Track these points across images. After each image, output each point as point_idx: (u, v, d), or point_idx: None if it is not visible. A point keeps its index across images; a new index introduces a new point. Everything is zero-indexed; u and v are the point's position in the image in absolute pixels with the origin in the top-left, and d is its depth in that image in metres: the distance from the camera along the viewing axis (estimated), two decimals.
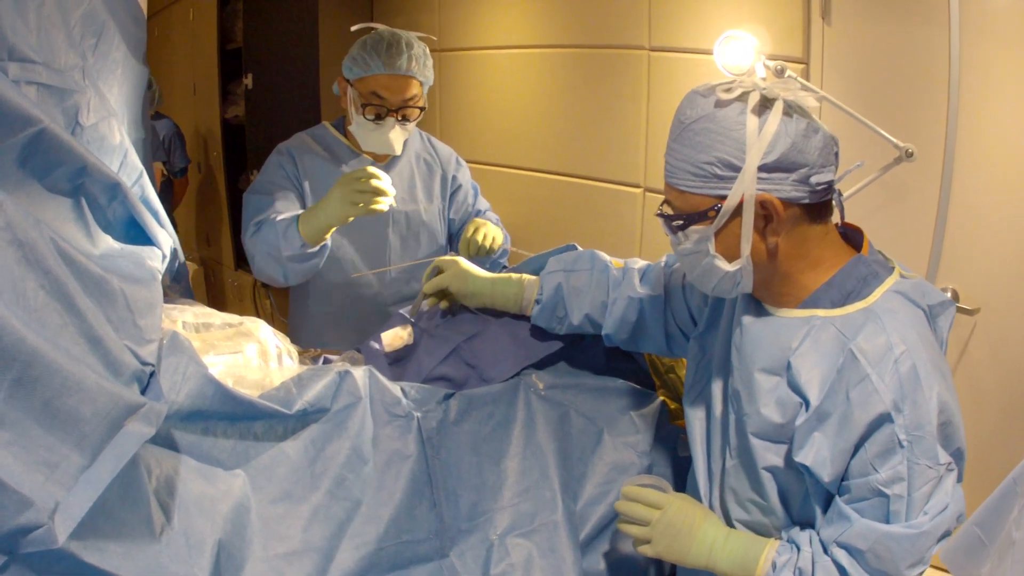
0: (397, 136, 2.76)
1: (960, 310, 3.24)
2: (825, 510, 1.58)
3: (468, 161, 3.26)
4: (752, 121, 1.48)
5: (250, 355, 1.76)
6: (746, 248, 1.55)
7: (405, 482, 1.67)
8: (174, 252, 1.84)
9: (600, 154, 4.18)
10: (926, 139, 3.11)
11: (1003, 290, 3.22)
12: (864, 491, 1.48)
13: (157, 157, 5.96)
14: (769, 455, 1.62)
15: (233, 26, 5.96)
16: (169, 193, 6.40)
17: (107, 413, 1.13)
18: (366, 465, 1.65)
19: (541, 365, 2.10)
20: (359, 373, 1.72)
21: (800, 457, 1.52)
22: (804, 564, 1.53)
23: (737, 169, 1.49)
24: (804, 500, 1.61)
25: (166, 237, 1.74)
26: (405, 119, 2.74)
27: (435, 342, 2.10)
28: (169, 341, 1.47)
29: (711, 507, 1.79)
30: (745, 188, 1.49)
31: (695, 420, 1.88)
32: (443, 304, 2.20)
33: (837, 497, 1.54)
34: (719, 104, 1.51)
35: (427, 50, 2.77)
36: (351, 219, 2.47)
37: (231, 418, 1.52)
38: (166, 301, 1.68)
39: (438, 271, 2.18)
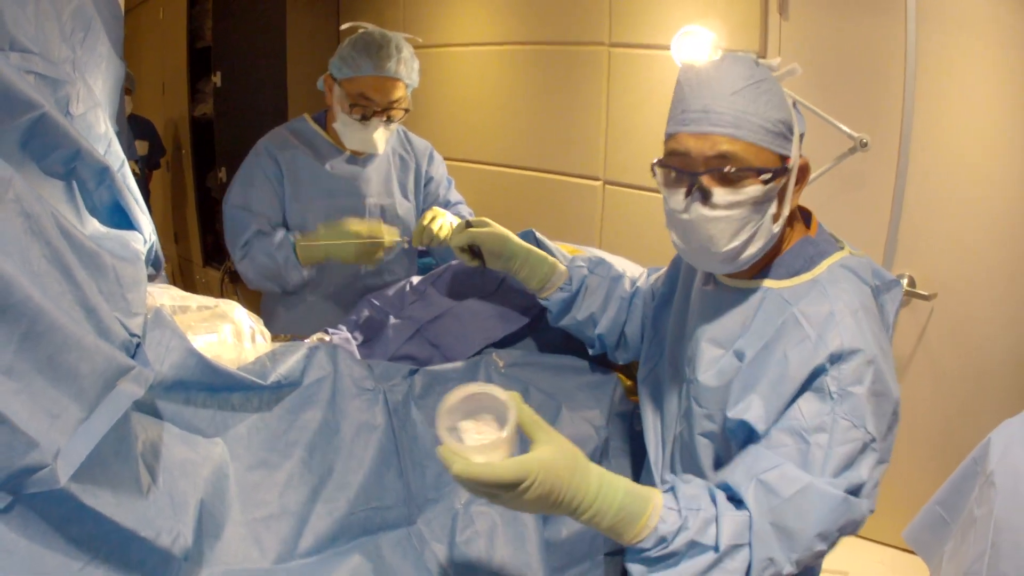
0: (381, 136, 2.83)
1: (917, 296, 3.35)
2: None
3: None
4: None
5: (225, 335, 1.85)
6: (787, 209, 1.62)
7: (374, 451, 1.76)
8: (152, 243, 1.90)
9: (562, 148, 4.27)
10: (882, 129, 3.21)
11: (960, 275, 3.33)
12: (784, 437, 1.49)
13: (130, 155, 6.00)
14: (705, 421, 1.71)
15: (202, 25, 6.03)
16: (143, 191, 6.43)
17: (103, 372, 1.21)
18: (337, 435, 1.74)
19: (502, 344, 2.19)
20: (329, 349, 1.82)
21: (734, 413, 1.57)
22: (698, 527, 1.44)
23: (791, 132, 1.58)
24: None
25: (147, 223, 1.80)
26: (390, 119, 2.81)
27: (401, 323, 2.18)
28: (153, 316, 1.55)
29: (661, 480, 1.88)
30: (795, 150, 1.58)
31: (646, 396, 1.99)
32: (466, 259, 2.20)
33: (755, 444, 1.54)
34: (771, 69, 1.60)
35: (413, 52, 2.82)
36: None
37: (210, 389, 1.61)
38: None
39: (466, 226, 2.19)
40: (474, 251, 2.18)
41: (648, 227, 3.86)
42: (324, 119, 2.99)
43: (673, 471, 1.86)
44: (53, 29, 1.58)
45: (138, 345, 1.45)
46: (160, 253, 2.06)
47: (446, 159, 3.29)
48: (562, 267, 2.12)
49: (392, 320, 2.19)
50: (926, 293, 3.40)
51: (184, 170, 6.72)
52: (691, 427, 1.74)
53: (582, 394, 2.13)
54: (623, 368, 2.31)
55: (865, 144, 2.36)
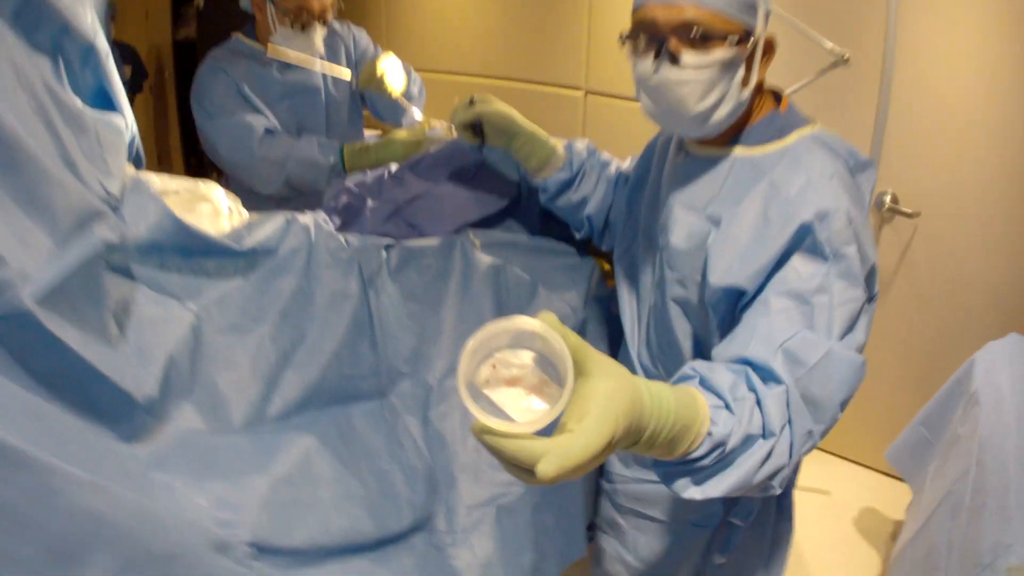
0: (319, 38, 2.92)
1: (901, 213, 3.34)
2: None
3: (427, 71, 3.35)
4: None
5: (203, 213, 1.84)
6: (754, 78, 1.61)
7: (347, 320, 1.75)
8: (134, 135, 1.87)
9: (542, 57, 4.23)
10: (865, 45, 3.19)
11: (944, 196, 3.33)
12: (784, 301, 1.44)
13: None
14: (676, 287, 1.71)
15: None
16: None
17: (78, 211, 1.22)
18: (311, 303, 1.73)
19: (479, 226, 2.18)
20: (306, 219, 1.81)
21: (716, 279, 1.57)
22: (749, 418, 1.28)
23: (756, 7, 1.56)
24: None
25: (129, 115, 1.78)
26: (325, 21, 2.90)
27: (378, 206, 2.17)
28: (133, 183, 1.55)
29: (638, 357, 1.90)
30: (760, 24, 1.57)
31: (621, 274, 2.00)
32: (468, 136, 2.18)
33: (752, 312, 1.49)
34: None
35: None
36: None
37: (185, 253, 1.60)
38: None
39: (472, 102, 2.16)
40: (475, 129, 2.16)
41: (631, 138, 3.79)
42: (253, 32, 3.06)
43: (648, 346, 1.88)
44: None
45: (115, 208, 1.45)
46: (141, 151, 2.04)
47: (421, 71, 3.29)
48: (561, 150, 2.13)
49: (370, 203, 2.18)
50: (909, 211, 3.41)
51: (167, 94, 6.69)
52: (664, 294, 1.75)
53: (559, 276, 2.13)
54: (602, 257, 2.32)
55: (847, 60, 2.35)
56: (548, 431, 0.99)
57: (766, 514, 1.90)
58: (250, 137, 2.84)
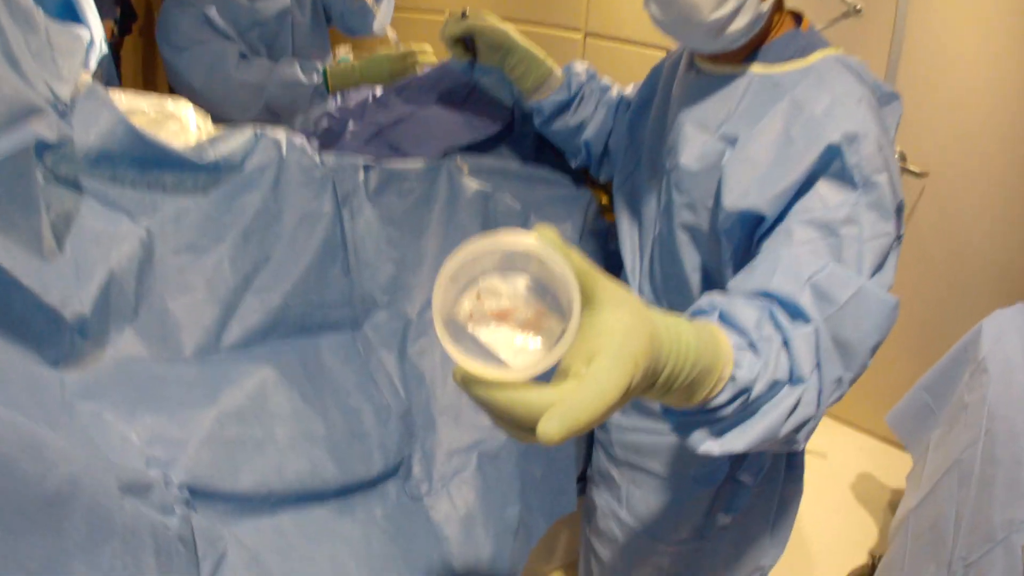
0: None
1: (909, 172, 3.27)
2: None
3: (404, 10, 3.24)
4: None
5: (171, 130, 1.70)
6: None
7: (318, 241, 1.59)
8: (104, 54, 1.77)
9: None
10: None
11: (953, 157, 3.25)
12: (809, 231, 1.28)
13: (108, 14, 5.82)
14: (685, 212, 1.56)
15: None
16: (115, 56, 6.27)
17: (11, 104, 1.11)
18: (278, 222, 1.57)
19: (467, 151, 2.03)
20: (277, 134, 1.64)
21: (732, 202, 1.42)
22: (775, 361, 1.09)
23: None
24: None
25: (98, 29, 1.67)
26: None
27: (360, 127, 2.03)
28: (87, 90, 1.41)
29: (639, 292, 1.76)
30: None
31: (622, 204, 1.86)
32: (458, 53, 2.05)
33: (774, 241, 1.34)
34: None
35: None
36: None
37: (140, 164, 1.44)
38: None
39: (464, 15, 2.01)
40: (466, 45, 2.02)
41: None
42: None
43: (652, 280, 1.73)
44: None
45: (64, 114, 1.32)
46: (114, 72, 1.92)
47: (409, 10, 3.19)
48: (558, 71, 1.98)
49: (351, 126, 2.03)
50: (917, 171, 3.32)
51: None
52: (671, 221, 1.60)
53: (553, 206, 1.99)
54: (600, 189, 2.18)
55: (859, 10, 2.21)
56: (547, 377, 0.78)
57: (775, 472, 1.75)
58: (225, 62, 2.71)
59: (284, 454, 1.32)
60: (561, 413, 0.73)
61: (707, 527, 1.80)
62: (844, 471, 3.69)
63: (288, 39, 2.99)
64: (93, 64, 1.78)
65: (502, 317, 0.80)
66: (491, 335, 0.79)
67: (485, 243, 0.77)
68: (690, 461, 1.72)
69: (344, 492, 1.40)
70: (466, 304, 0.80)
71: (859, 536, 3.29)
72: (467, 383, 0.76)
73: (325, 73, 2.74)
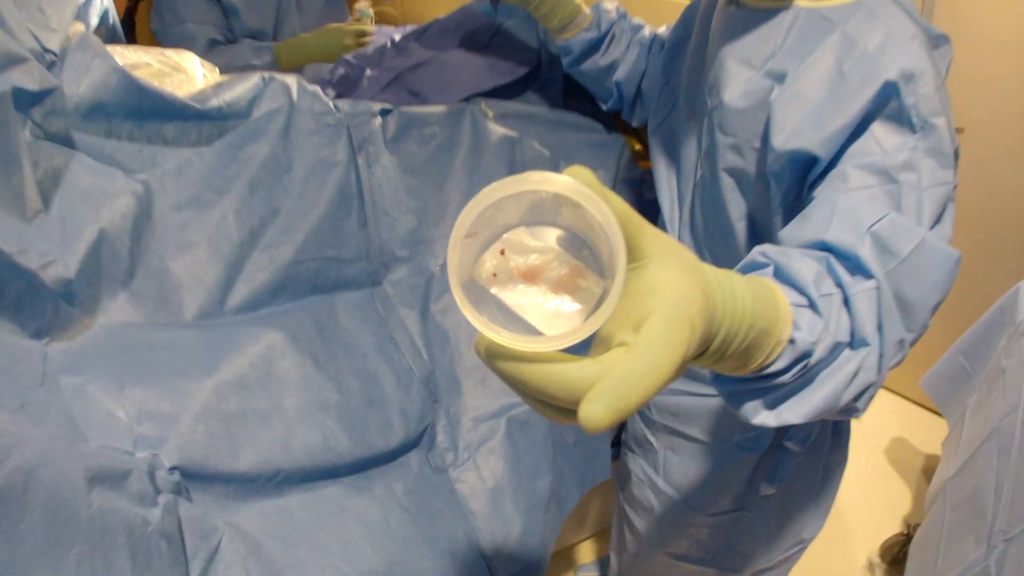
0: None
1: None
2: None
3: None
4: None
5: (177, 81, 1.60)
6: None
7: (331, 191, 1.48)
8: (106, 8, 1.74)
9: None
10: None
11: (987, 109, 3.15)
12: (866, 176, 1.16)
13: None
14: (730, 154, 1.44)
15: None
16: (129, 22, 6.22)
17: None
18: (288, 173, 1.45)
19: (492, 96, 1.92)
20: (287, 79, 1.53)
21: (782, 142, 1.29)
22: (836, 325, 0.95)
23: None
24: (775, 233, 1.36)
25: None
26: None
27: (378, 74, 1.91)
28: (79, 40, 1.31)
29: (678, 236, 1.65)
30: None
31: (658, 148, 1.74)
32: None
33: (828, 186, 1.21)
34: None
35: None
36: None
37: (138, 116, 1.33)
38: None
39: None
40: None
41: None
42: None
43: (693, 229, 1.61)
44: None
45: (52, 64, 1.24)
46: (118, 28, 1.91)
47: None
48: (587, 9, 1.86)
49: (368, 72, 1.92)
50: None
51: None
52: (714, 165, 1.48)
53: (584, 153, 1.88)
54: (632, 135, 2.06)
55: None
56: (584, 345, 0.64)
57: (821, 440, 1.64)
58: (194, 48, 2.58)
59: (292, 427, 1.21)
60: (608, 392, 0.58)
61: (748, 497, 1.70)
62: (877, 435, 3.60)
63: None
64: (94, 20, 1.71)
65: (531, 276, 0.67)
66: (518, 298, 0.66)
67: (508, 186, 0.61)
68: (734, 426, 1.60)
69: (360, 467, 1.30)
70: (488, 262, 0.67)
71: (892, 502, 3.20)
72: (492, 356, 0.62)
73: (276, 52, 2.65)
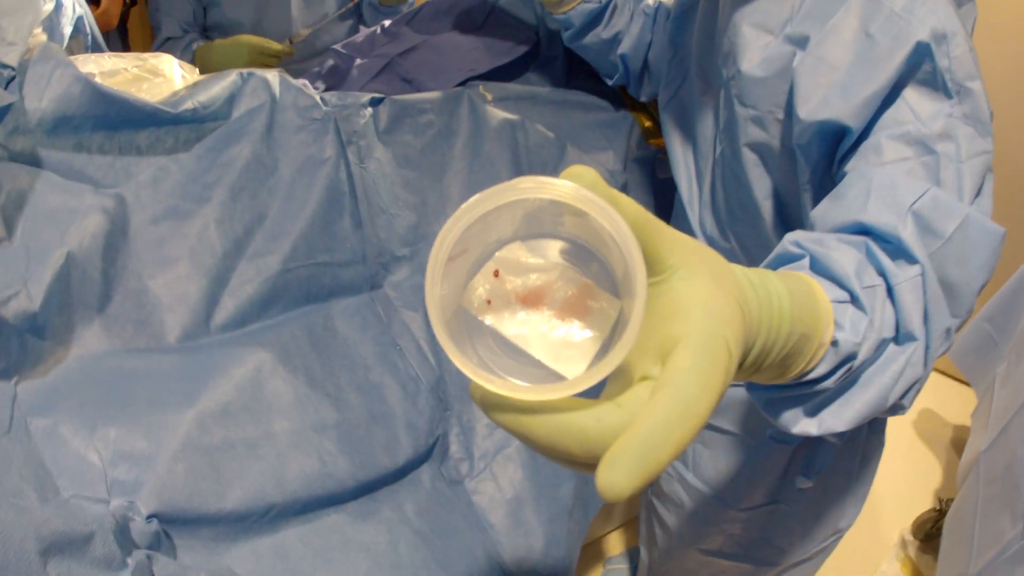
0: None
1: None
2: None
3: None
4: None
5: (156, 85, 1.51)
6: None
7: (320, 191, 1.38)
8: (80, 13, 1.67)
9: None
10: None
11: (1011, 70, 3.09)
12: (901, 147, 1.07)
13: None
14: (752, 127, 1.34)
15: None
16: (121, 28, 6.21)
17: None
18: (273, 175, 1.36)
19: (490, 79, 1.83)
20: (268, 74, 1.44)
21: (808, 112, 1.19)
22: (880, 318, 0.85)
23: None
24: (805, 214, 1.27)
25: None
26: None
27: (368, 62, 1.82)
28: (40, 51, 1.23)
29: (700, 226, 1.56)
30: None
31: (672, 124, 1.65)
32: None
33: (860, 159, 1.12)
34: None
35: None
36: None
37: (107, 126, 1.25)
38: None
39: None
40: None
41: None
42: None
43: (715, 210, 1.52)
44: None
45: (12, 79, 1.17)
46: (97, 36, 1.80)
47: None
48: None
49: (358, 62, 1.83)
50: None
51: None
52: (734, 140, 1.38)
53: (592, 133, 1.78)
54: (641, 111, 1.96)
55: None
56: (599, 383, 0.51)
57: (860, 427, 1.52)
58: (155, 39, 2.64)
59: (284, 454, 1.11)
60: (631, 454, 0.47)
61: (783, 490, 1.62)
62: None
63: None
64: (67, 29, 1.63)
65: (532, 300, 0.56)
66: (519, 327, 0.55)
67: (495, 196, 0.50)
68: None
69: (364, 490, 1.20)
70: (480, 287, 0.56)
71: (922, 476, 3.14)
72: (489, 407, 0.51)
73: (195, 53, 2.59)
